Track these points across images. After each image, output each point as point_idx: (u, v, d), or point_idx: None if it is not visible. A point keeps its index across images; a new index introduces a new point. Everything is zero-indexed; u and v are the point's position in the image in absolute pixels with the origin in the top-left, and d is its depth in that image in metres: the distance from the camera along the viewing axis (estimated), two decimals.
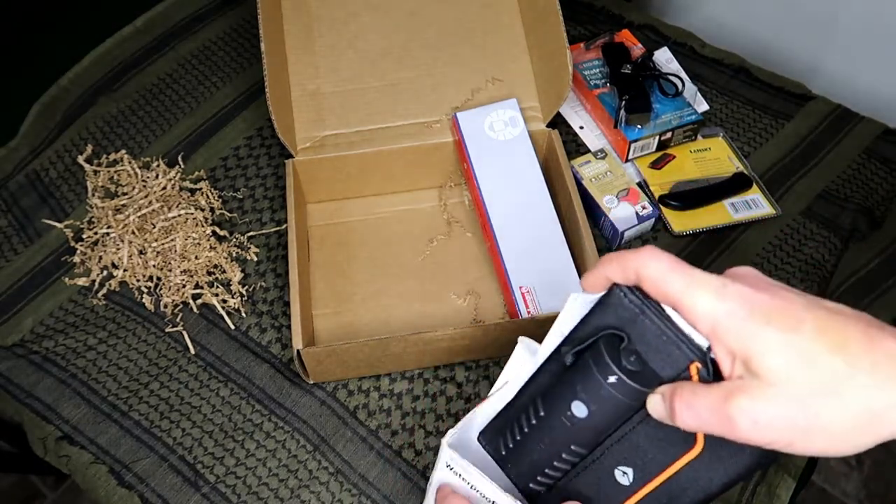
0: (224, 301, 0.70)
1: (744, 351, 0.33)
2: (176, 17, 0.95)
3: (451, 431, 0.45)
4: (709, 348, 0.36)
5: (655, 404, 0.36)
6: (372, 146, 0.74)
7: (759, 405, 0.32)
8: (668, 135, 0.78)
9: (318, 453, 0.62)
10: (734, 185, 0.77)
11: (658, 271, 0.35)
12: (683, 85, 0.80)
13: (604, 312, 0.39)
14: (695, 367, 0.36)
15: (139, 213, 0.74)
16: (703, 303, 0.34)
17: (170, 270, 0.71)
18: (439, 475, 0.47)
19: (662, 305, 0.37)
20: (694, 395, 0.34)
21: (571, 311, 0.43)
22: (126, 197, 0.77)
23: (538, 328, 0.62)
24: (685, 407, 0.34)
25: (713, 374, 0.36)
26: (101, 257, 0.73)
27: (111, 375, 0.67)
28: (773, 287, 0.35)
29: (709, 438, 0.37)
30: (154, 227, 0.73)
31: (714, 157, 0.80)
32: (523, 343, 0.47)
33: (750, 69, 0.89)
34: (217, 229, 0.75)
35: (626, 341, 0.38)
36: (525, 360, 0.47)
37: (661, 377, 0.37)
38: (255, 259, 0.74)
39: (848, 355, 0.31)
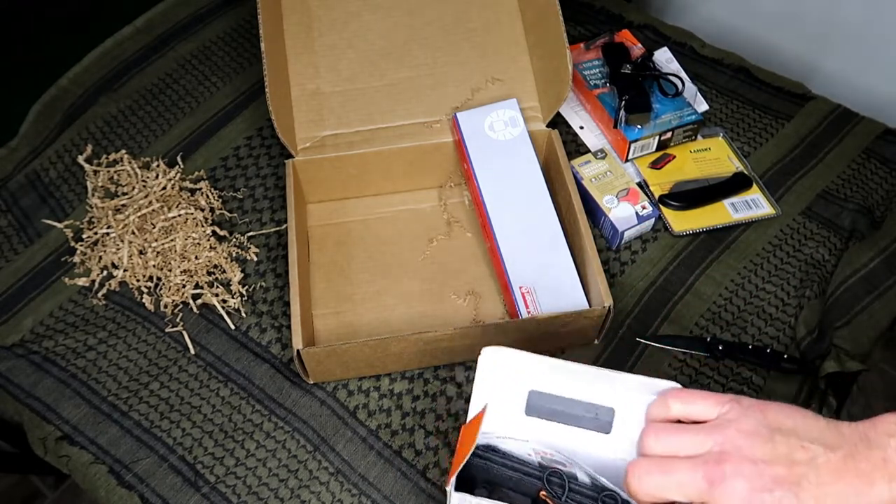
0: (224, 301, 0.70)
1: None
2: (176, 17, 0.95)
3: (451, 480, 0.45)
4: (547, 470, 0.47)
5: None
6: (372, 146, 0.74)
7: None
8: (668, 135, 0.78)
9: (318, 453, 0.62)
10: (734, 185, 0.77)
11: None
12: (683, 85, 0.80)
13: (470, 467, 0.49)
14: (542, 495, 0.46)
15: (139, 213, 0.74)
16: None
17: (170, 270, 0.71)
18: None
19: (495, 445, 0.48)
20: None
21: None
22: (126, 197, 0.77)
23: (538, 328, 0.62)
24: None
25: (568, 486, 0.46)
26: (101, 257, 0.73)
27: (111, 375, 0.67)
28: (758, 465, 0.39)
29: None
30: (154, 227, 0.73)
31: (714, 157, 0.80)
32: (487, 353, 0.48)
33: (750, 69, 0.89)
34: (217, 229, 0.75)
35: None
36: (492, 375, 0.48)
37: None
38: (255, 259, 0.74)
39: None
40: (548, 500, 0.46)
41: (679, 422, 0.44)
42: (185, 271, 0.71)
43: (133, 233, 0.73)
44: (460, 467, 0.45)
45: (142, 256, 0.72)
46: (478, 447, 0.48)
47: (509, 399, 0.48)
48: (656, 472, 0.41)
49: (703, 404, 0.42)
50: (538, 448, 0.46)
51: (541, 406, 0.48)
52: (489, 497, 0.45)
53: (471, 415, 0.48)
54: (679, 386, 0.44)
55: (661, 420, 0.44)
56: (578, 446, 0.47)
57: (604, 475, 0.45)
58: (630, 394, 0.46)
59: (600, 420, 0.47)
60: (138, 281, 0.72)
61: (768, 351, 0.67)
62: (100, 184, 0.79)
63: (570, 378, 0.47)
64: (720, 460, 0.39)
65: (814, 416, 0.40)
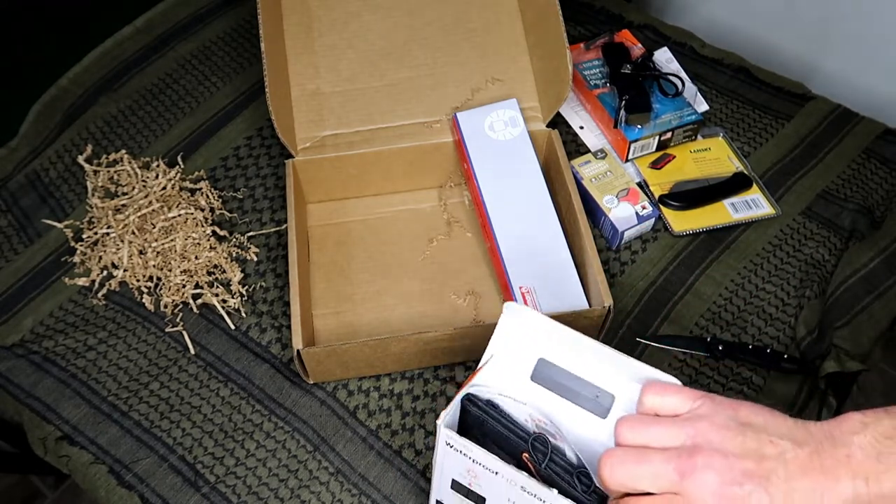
0: (224, 301, 0.70)
1: None
2: (176, 17, 0.95)
3: (443, 413, 0.46)
4: (534, 434, 0.47)
5: None
6: (372, 146, 0.74)
7: None
8: (668, 135, 0.78)
9: (318, 453, 0.62)
10: (734, 185, 0.77)
11: None
12: (683, 85, 0.80)
13: (466, 415, 0.49)
14: (525, 457, 0.47)
15: (139, 213, 0.74)
16: None
17: (170, 270, 0.71)
18: (441, 453, 0.48)
19: (496, 402, 0.48)
20: None
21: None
22: (126, 197, 0.77)
23: None
24: None
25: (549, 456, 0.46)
26: (101, 257, 0.73)
27: (111, 375, 0.67)
28: (728, 458, 0.39)
29: None
30: (154, 227, 0.73)
31: (714, 157, 0.80)
32: (509, 309, 0.48)
33: (750, 69, 0.89)
34: (217, 229, 0.75)
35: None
36: (510, 332, 0.49)
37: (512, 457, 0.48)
38: (255, 259, 0.74)
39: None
40: (529, 463, 0.46)
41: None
42: (185, 271, 0.71)
43: (133, 233, 0.73)
44: (452, 405, 0.47)
45: (142, 256, 0.72)
46: (479, 400, 0.48)
47: (519, 361, 0.48)
48: (629, 462, 0.41)
49: (676, 398, 0.43)
50: (535, 415, 0.47)
51: (546, 375, 0.48)
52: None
53: (482, 363, 0.49)
54: (679, 383, 0.44)
55: (637, 412, 0.45)
56: (573, 424, 0.47)
57: (589, 458, 0.45)
58: (634, 384, 0.46)
59: (600, 403, 0.48)
60: (138, 281, 0.72)
61: (768, 351, 0.67)
62: (100, 184, 0.79)
63: (584, 353, 0.47)
64: (692, 453, 0.40)
65: (782, 415, 0.41)
